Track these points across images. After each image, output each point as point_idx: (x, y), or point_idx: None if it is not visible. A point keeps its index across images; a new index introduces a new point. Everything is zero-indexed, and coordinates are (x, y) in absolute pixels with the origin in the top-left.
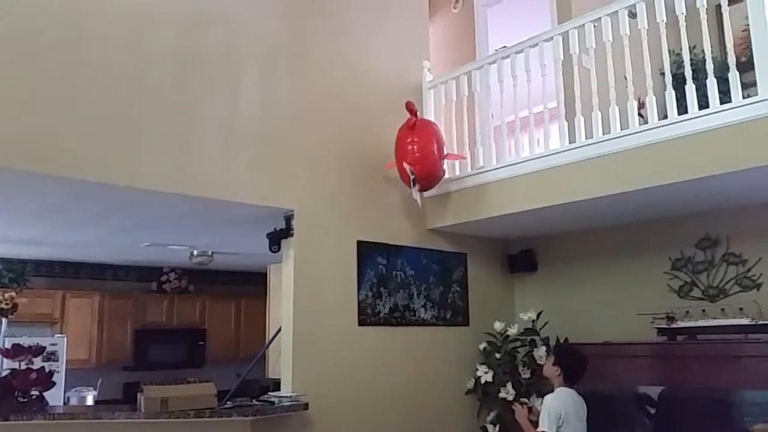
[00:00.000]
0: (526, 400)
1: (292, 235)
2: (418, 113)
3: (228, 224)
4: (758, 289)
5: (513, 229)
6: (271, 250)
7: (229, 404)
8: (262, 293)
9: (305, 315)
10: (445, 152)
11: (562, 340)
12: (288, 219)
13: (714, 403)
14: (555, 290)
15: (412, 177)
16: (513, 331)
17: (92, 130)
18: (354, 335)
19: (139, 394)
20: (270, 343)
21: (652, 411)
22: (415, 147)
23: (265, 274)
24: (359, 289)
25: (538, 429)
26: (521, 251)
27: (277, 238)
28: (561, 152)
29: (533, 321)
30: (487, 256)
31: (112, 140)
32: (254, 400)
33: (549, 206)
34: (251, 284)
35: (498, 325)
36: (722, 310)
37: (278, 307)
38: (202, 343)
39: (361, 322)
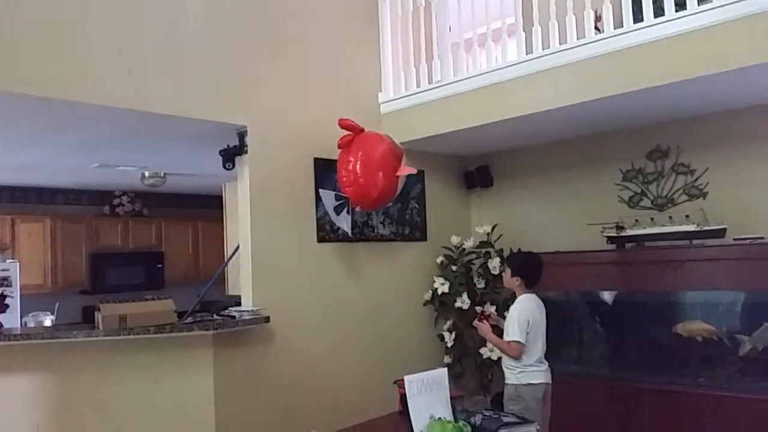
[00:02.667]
0: (484, 308)
1: (246, 152)
2: (356, 124)
3: (179, 142)
4: (704, 198)
5: (469, 145)
6: (224, 167)
7: (189, 319)
8: (220, 216)
9: (263, 232)
10: (397, 168)
11: (514, 251)
12: (241, 135)
13: (657, 305)
14: (510, 205)
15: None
16: (469, 244)
17: (33, 44)
18: (313, 251)
19: (96, 313)
20: (228, 260)
21: (599, 315)
22: (350, 167)
23: (222, 197)
24: (317, 206)
25: (509, 339)
26: (477, 167)
27: (230, 156)
28: (517, 64)
29: (488, 234)
30: (445, 173)
31: (55, 54)
32: (215, 316)
33: (507, 119)
34: (208, 207)
35: (455, 239)
36: (670, 218)
37: (236, 226)
38: (160, 265)
39: (321, 239)
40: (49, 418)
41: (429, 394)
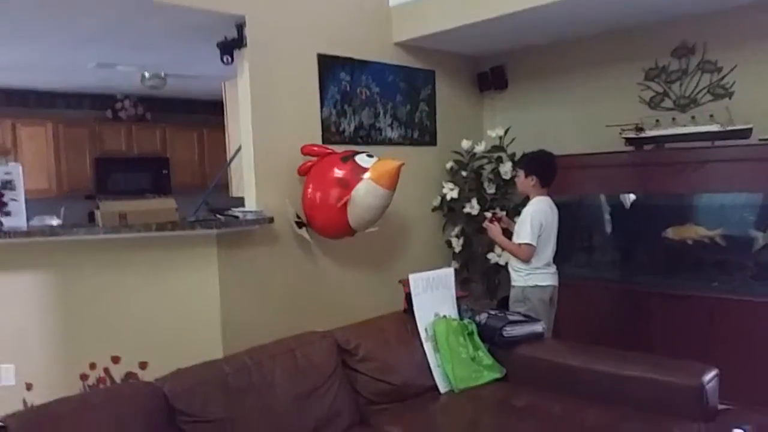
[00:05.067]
0: (496, 211)
1: (245, 45)
2: (320, 149)
3: (176, 36)
4: (730, 98)
5: (484, 43)
6: (222, 61)
7: (192, 218)
8: (224, 123)
9: (265, 132)
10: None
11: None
12: (240, 27)
13: (674, 209)
14: (525, 108)
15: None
16: (480, 148)
17: None
18: None
19: (96, 211)
20: (231, 161)
21: (613, 219)
22: (306, 196)
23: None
24: (322, 105)
25: (521, 241)
26: (491, 68)
27: (228, 48)
28: None
29: (500, 138)
30: (457, 74)
31: None
32: (218, 216)
33: (523, 9)
34: (213, 113)
35: (465, 143)
36: (693, 117)
37: (237, 126)
38: (165, 171)
39: (325, 140)
40: (51, 315)
41: (434, 292)
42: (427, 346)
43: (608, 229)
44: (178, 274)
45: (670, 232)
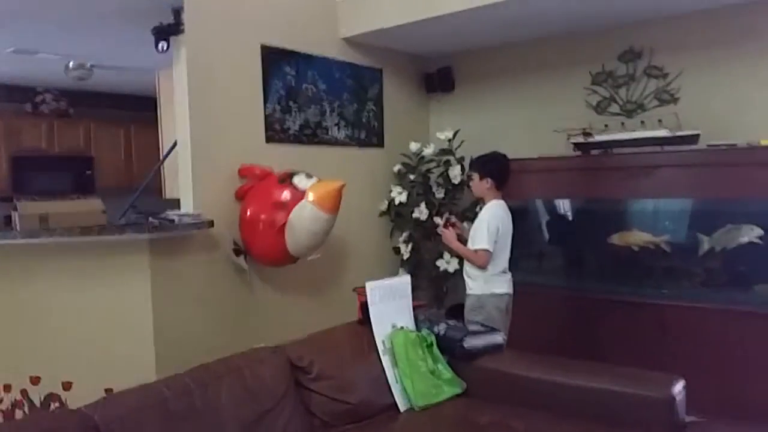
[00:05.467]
0: (449, 216)
1: (182, 31)
2: (258, 170)
3: (106, 21)
4: (675, 103)
5: (430, 42)
6: (157, 48)
7: (122, 221)
8: (156, 120)
9: (204, 126)
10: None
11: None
12: (177, 12)
13: (621, 214)
14: (472, 111)
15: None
16: (429, 151)
17: None
18: (261, 152)
19: (13, 213)
20: (165, 157)
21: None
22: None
23: (156, 91)
24: (266, 101)
25: (477, 247)
26: (439, 69)
27: (164, 34)
28: None
29: (449, 140)
30: (404, 74)
31: None
32: (151, 219)
33: (467, 9)
34: (142, 109)
35: (414, 146)
36: (642, 122)
37: (172, 120)
38: (89, 171)
39: (269, 139)
40: None
41: (391, 302)
42: (385, 360)
43: (555, 234)
44: (105, 284)
45: (616, 238)
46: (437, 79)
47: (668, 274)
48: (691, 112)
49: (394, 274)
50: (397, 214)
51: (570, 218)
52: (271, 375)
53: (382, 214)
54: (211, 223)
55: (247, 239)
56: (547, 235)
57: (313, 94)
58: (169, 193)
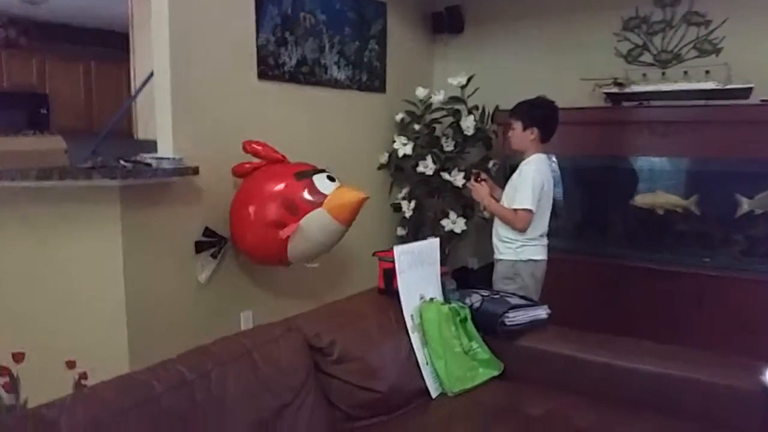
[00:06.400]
0: (478, 171)
1: None
2: (266, 150)
3: None
4: (717, 55)
5: None
6: None
7: (89, 163)
8: (119, 57)
9: (187, 56)
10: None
11: (491, 110)
12: None
13: (656, 174)
14: (483, 55)
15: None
16: (438, 98)
17: None
18: (253, 91)
19: None
20: (140, 90)
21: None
22: (245, 204)
23: (123, 35)
24: (259, 30)
25: (520, 206)
26: (447, 7)
27: None
28: None
29: (462, 87)
30: (410, 11)
31: None
32: (123, 162)
33: None
34: (104, 45)
35: (421, 92)
36: (685, 72)
37: (147, 48)
38: (44, 110)
39: (262, 75)
40: None
41: (419, 269)
42: (414, 338)
43: (579, 196)
44: (67, 238)
45: (639, 200)
46: (445, 18)
47: (702, 241)
48: (737, 65)
49: (392, 233)
50: (397, 168)
51: (596, 177)
52: (287, 359)
53: (381, 167)
54: (195, 170)
55: (238, 228)
56: (571, 197)
57: (312, 26)
58: (142, 133)
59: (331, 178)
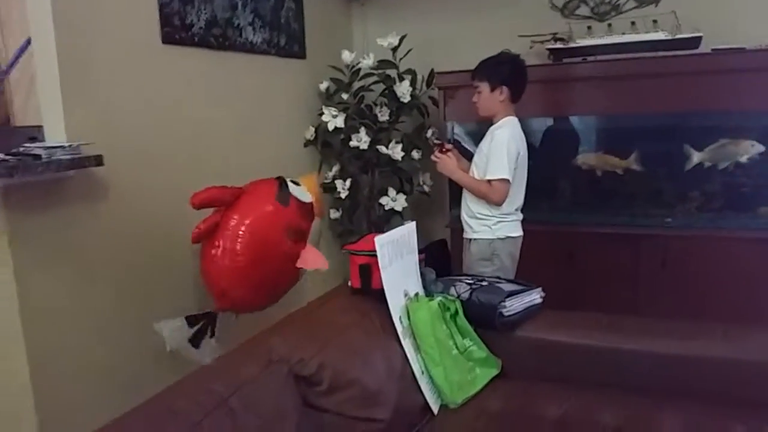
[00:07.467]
0: (441, 140)
1: None
2: (224, 193)
3: None
4: (656, 5)
5: None
6: None
7: None
8: None
9: (74, 16)
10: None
11: (426, 74)
12: None
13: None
14: (406, 15)
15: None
16: (368, 62)
17: None
18: (157, 57)
19: None
20: (14, 63)
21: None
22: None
23: None
24: None
25: (495, 177)
26: None
27: None
28: None
29: (393, 49)
30: None
31: None
32: (4, 156)
33: None
34: None
35: (347, 56)
36: (632, 23)
37: (19, 8)
38: None
39: (167, 38)
40: None
41: (399, 261)
42: (407, 345)
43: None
44: None
45: (581, 161)
46: None
47: (656, 200)
48: (682, 13)
49: (325, 216)
50: (324, 144)
51: (540, 140)
52: (272, 402)
53: (308, 143)
54: (99, 160)
55: (250, 296)
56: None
57: None
58: (21, 116)
59: (295, 182)
